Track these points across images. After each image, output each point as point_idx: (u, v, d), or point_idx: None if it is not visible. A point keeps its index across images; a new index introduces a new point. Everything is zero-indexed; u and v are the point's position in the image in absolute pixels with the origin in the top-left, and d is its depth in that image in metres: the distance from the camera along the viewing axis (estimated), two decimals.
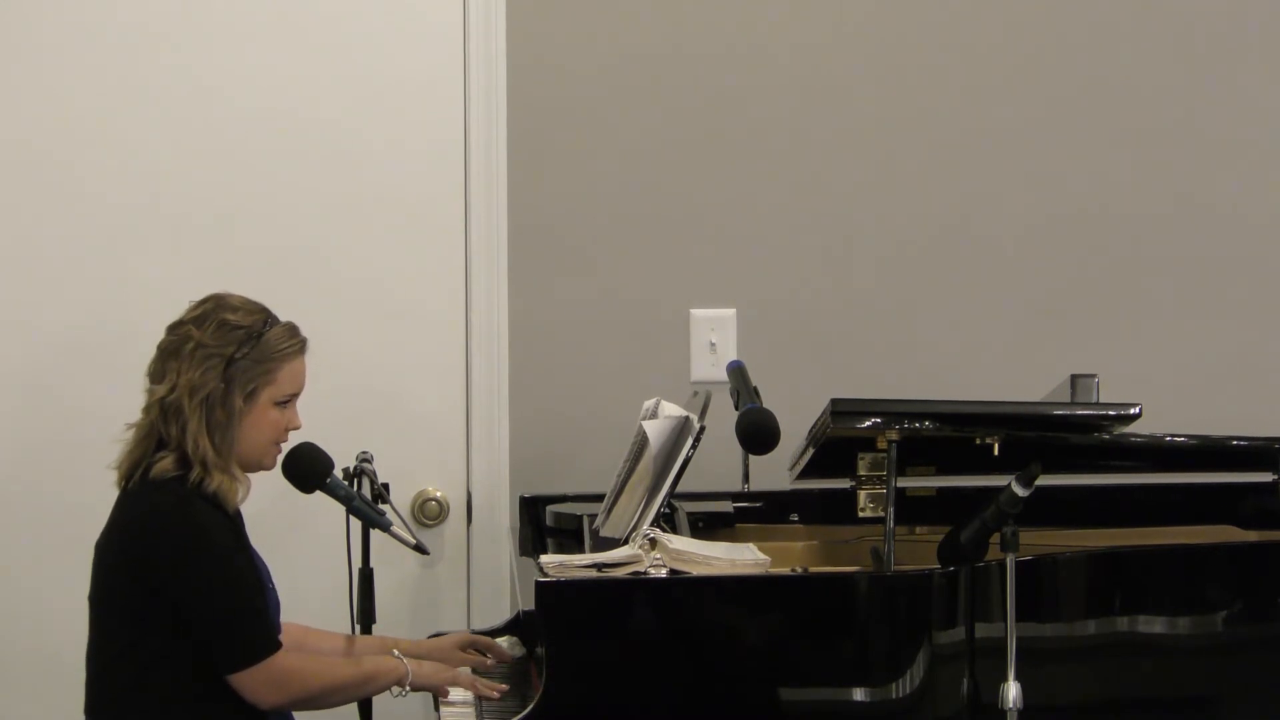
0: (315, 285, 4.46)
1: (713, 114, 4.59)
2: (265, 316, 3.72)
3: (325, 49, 4.51)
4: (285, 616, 3.76)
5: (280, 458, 3.79)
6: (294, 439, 3.80)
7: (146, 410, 3.68)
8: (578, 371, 4.58)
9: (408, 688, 3.74)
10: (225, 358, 3.65)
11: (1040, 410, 4.02)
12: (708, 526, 4.16)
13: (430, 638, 4.06)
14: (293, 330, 3.74)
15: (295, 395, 3.73)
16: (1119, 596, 3.72)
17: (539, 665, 3.62)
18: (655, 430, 3.82)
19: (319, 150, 4.51)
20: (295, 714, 3.80)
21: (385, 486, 3.99)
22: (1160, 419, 4.02)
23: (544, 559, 3.67)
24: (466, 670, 3.83)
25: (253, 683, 3.59)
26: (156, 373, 3.69)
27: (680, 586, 3.54)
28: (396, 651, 3.81)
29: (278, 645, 3.62)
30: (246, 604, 3.61)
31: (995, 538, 3.52)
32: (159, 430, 3.65)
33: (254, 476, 3.75)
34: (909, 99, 4.63)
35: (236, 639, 3.59)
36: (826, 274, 4.63)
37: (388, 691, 3.75)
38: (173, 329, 3.71)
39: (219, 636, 3.58)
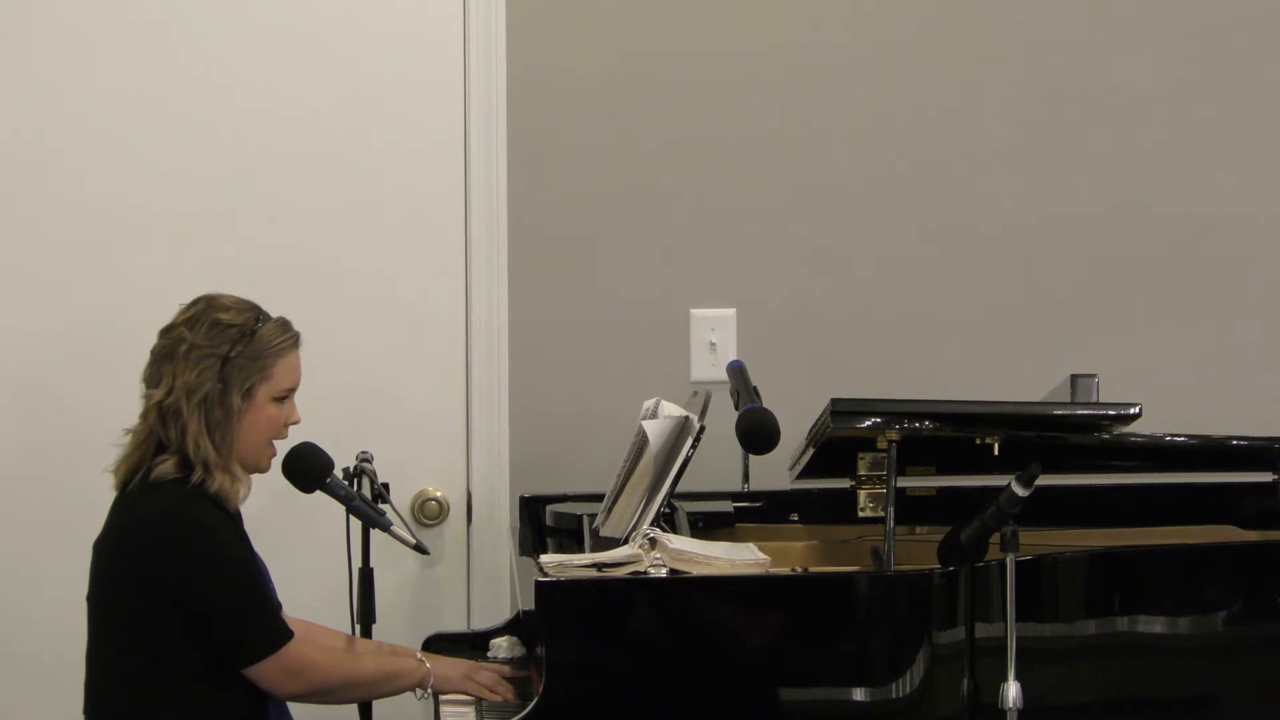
0: (315, 285, 4.46)
1: (712, 114, 4.59)
2: (257, 314, 3.72)
3: (326, 49, 4.50)
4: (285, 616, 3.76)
5: (279, 458, 3.80)
6: (294, 438, 3.81)
7: (144, 415, 3.68)
8: (578, 371, 4.58)
9: (429, 690, 3.75)
10: (220, 357, 3.65)
11: (1040, 410, 4.02)
12: (708, 526, 4.15)
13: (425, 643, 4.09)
14: (285, 325, 3.74)
15: (292, 390, 3.74)
16: (1119, 596, 3.72)
17: (539, 665, 3.62)
18: (655, 430, 3.82)
19: (319, 150, 4.50)
20: (293, 712, 3.81)
21: (385, 486, 3.99)
22: (1160, 419, 4.01)
23: (544, 559, 3.67)
24: (489, 671, 3.83)
25: (271, 672, 3.60)
26: (152, 377, 3.69)
27: (680, 586, 3.54)
28: (420, 655, 3.82)
29: (290, 634, 3.63)
30: (257, 596, 3.63)
31: (995, 538, 3.52)
32: (158, 434, 3.65)
33: (254, 476, 3.75)
34: (909, 99, 4.63)
35: (251, 631, 3.60)
36: (826, 274, 4.62)
37: (410, 693, 3.77)
38: (165, 332, 3.71)
39: (234, 631, 3.59)
